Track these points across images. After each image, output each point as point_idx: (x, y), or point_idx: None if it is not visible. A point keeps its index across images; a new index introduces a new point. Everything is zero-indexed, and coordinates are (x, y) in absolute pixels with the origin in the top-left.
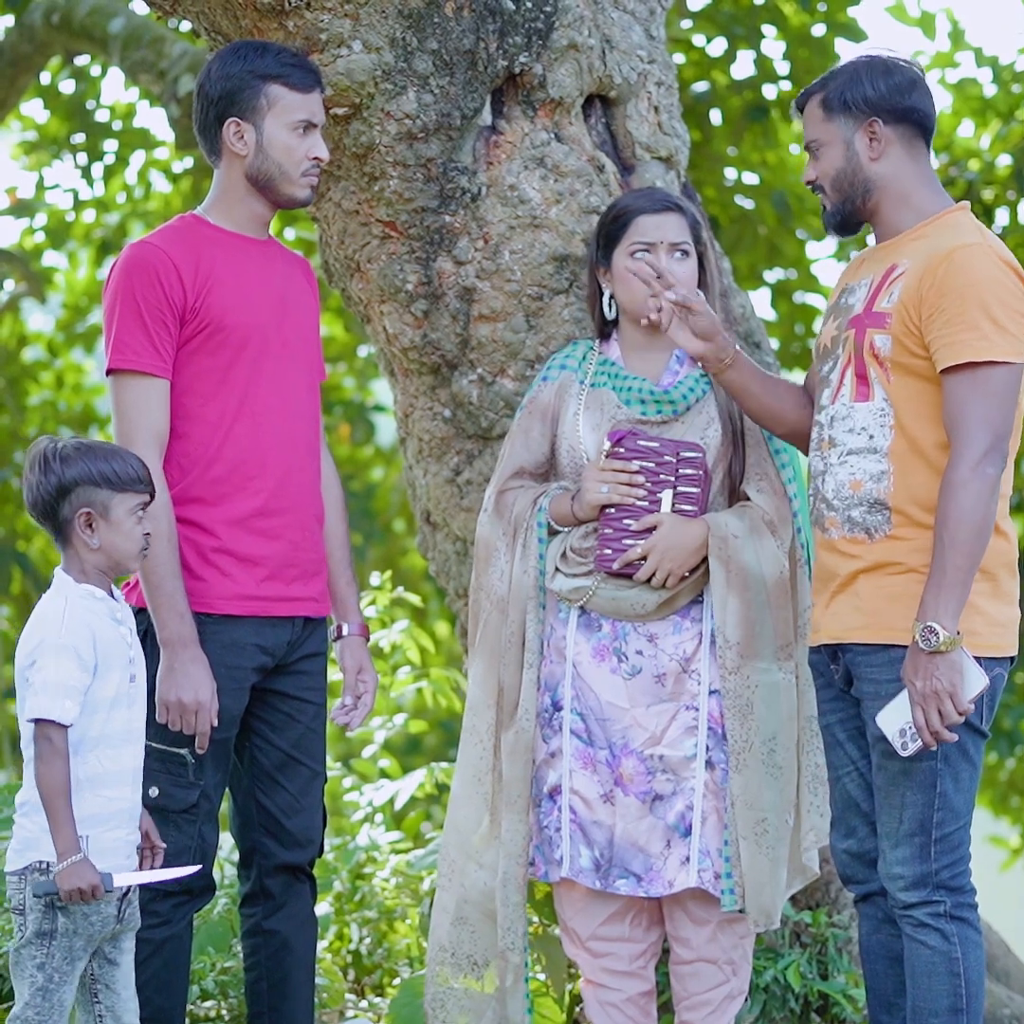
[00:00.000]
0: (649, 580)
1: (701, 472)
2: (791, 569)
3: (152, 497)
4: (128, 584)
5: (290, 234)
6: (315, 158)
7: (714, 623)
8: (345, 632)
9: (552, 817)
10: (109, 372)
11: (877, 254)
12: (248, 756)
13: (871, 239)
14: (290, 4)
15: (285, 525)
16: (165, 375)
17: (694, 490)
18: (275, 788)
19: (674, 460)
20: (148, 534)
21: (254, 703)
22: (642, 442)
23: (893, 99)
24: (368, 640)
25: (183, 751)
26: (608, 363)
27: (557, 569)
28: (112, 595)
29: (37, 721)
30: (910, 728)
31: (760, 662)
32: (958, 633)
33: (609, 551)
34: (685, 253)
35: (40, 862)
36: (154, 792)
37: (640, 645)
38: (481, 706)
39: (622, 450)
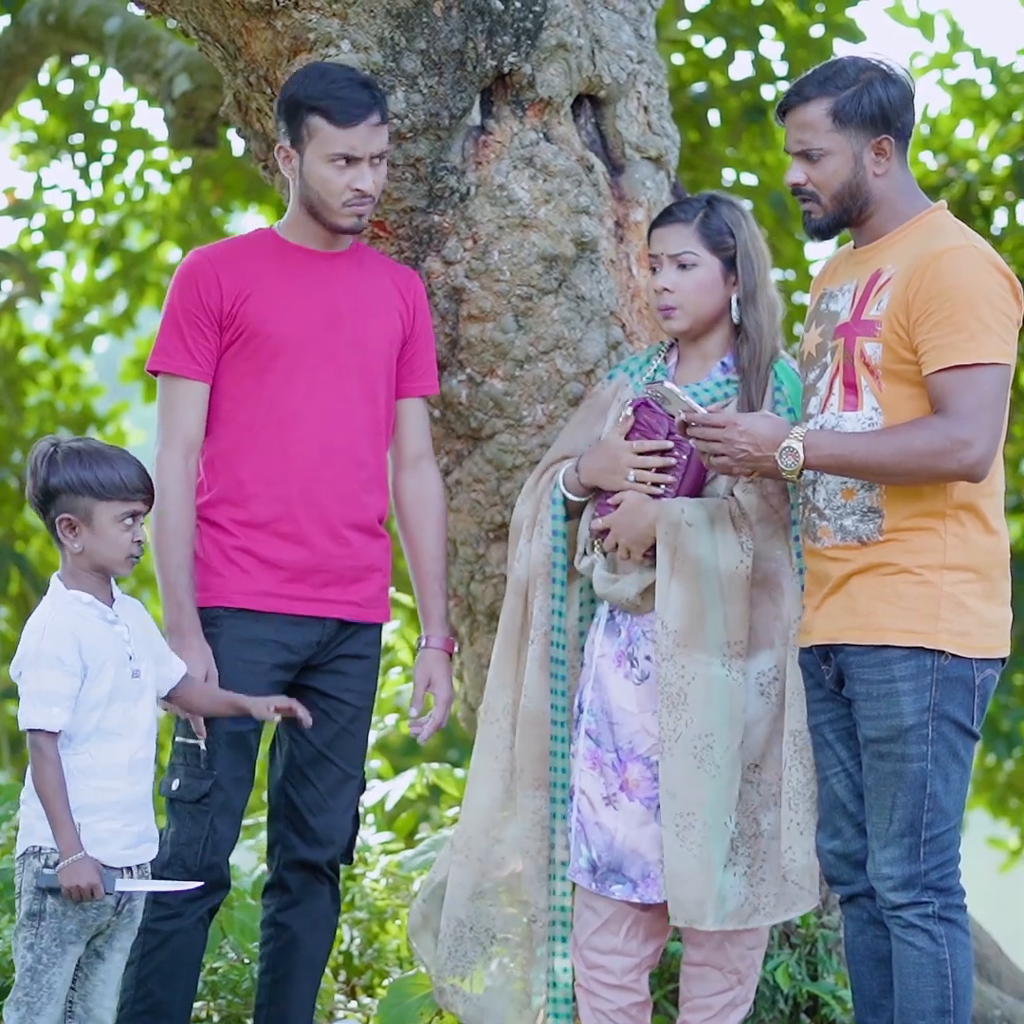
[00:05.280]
0: (638, 570)
1: (686, 457)
2: (772, 570)
3: (149, 505)
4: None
5: None
6: (357, 190)
7: (656, 607)
8: (424, 644)
9: (572, 816)
10: (150, 373)
11: (857, 257)
12: (285, 749)
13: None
14: (278, 3)
15: (311, 532)
16: (199, 378)
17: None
18: (305, 784)
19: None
20: (140, 542)
21: (295, 698)
22: (645, 417)
23: (901, 114)
24: (451, 655)
25: (199, 741)
26: (661, 370)
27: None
28: (112, 595)
29: (28, 731)
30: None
31: (701, 654)
32: (799, 476)
33: (597, 515)
34: (688, 263)
35: (34, 846)
36: (175, 784)
37: (648, 651)
38: (498, 686)
39: (635, 419)
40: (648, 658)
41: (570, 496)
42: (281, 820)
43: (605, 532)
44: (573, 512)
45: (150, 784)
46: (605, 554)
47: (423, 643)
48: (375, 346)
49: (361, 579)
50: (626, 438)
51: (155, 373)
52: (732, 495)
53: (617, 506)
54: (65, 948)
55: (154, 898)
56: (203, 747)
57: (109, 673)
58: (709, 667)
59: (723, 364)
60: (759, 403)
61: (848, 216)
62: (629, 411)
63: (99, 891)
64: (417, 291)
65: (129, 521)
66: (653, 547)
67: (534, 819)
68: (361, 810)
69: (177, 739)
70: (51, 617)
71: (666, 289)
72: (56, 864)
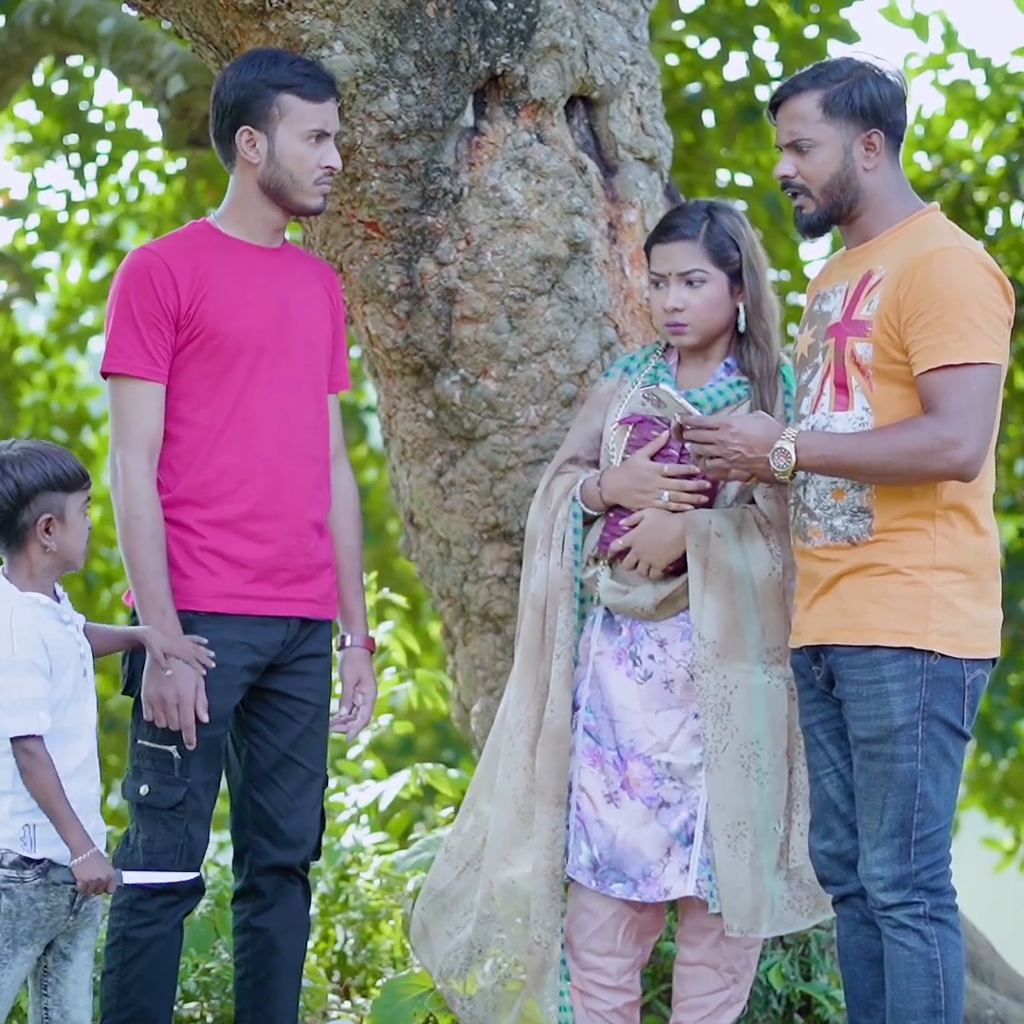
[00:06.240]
0: (653, 581)
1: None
2: (790, 575)
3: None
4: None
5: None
6: (327, 167)
7: (691, 619)
8: (348, 643)
9: (572, 813)
10: (104, 375)
11: (849, 259)
12: (246, 754)
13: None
14: (271, 5)
15: (277, 530)
16: (157, 379)
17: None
18: (271, 787)
19: (676, 455)
20: (89, 528)
21: (253, 702)
22: (646, 433)
23: (892, 112)
24: (373, 653)
25: (171, 748)
26: (662, 367)
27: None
28: (56, 596)
29: (15, 738)
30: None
31: (742, 663)
32: (792, 477)
33: (607, 534)
34: (697, 280)
35: None
36: (144, 790)
37: (652, 650)
38: (516, 702)
39: (635, 436)
40: (651, 657)
41: (587, 510)
42: (249, 826)
43: (622, 553)
44: (585, 523)
45: (98, 783)
46: (611, 566)
47: (347, 642)
48: (318, 342)
49: (316, 576)
50: (652, 458)
51: (112, 375)
52: (753, 503)
53: (633, 526)
54: (17, 950)
55: (131, 906)
56: (177, 755)
57: (69, 675)
58: (750, 676)
59: (727, 365)
60: (772, 407)
61: (838, 211)
62: (630, 431)
63: (112, 885)
64: (338, 288)
65: (85, 510)
66: (675, 561)
67: (552, 837)
68: (355, 810)
69: (139, 741)
70: (14, 621)
71: (676, 309)
72: (12, 864)
